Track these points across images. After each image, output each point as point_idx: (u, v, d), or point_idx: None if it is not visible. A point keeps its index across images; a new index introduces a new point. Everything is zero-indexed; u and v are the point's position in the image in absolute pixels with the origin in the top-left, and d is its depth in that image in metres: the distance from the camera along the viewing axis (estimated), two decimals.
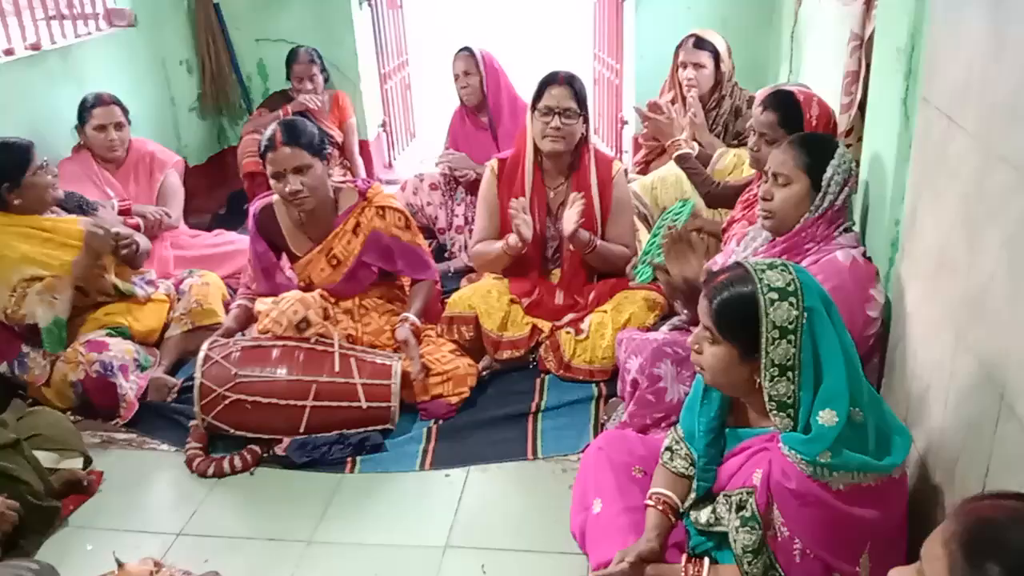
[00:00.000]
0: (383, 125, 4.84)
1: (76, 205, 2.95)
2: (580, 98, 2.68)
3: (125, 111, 3.39)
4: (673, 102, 3.31)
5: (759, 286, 1.44)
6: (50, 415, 2.44)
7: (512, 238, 2.68)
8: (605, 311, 2.68)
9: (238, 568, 2.00)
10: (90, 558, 2.07)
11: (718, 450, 1.65)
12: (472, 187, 3.57)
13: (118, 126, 3.35)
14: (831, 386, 1.42)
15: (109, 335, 2.74)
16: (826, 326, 1.44)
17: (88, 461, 2.39)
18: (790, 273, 1.47)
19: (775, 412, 1.46)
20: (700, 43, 3.26)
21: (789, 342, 1.42)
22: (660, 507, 1.72)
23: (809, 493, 1.40)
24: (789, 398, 1.44)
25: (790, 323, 1.42)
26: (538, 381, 2.71)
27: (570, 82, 2.68)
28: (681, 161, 2.95)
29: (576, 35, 7.32)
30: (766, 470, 1.46)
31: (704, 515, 1.64)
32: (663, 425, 2.12)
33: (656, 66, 3.75)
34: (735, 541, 1.48)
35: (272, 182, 2.55)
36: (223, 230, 3.76)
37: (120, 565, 1.50)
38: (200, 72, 4.39)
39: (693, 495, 1.69)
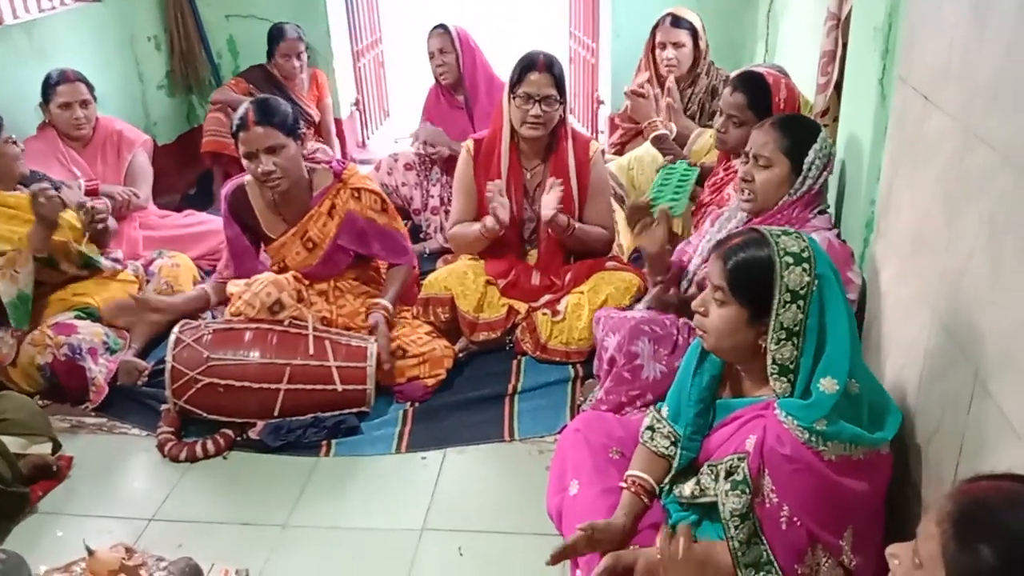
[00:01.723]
0: (356, 103, 4.78)
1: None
2: (560, 84, 2.64)
3: (91, 88, 3.31)
4: (649, 82, 3.29)
5: (775, 249, 1.47)
6: (17, 399, 2.39)
7: (489, 220, 2.66)
8: (582, 292, 2.66)
9: (212, 553, 1.96)
10: (60, 544, 2.04)
11: (706, 421, 1.66)
12: (447, 166, 3.54)
13: (84, 104, 3.27)
14: (833, 354, 1.45)
15: (78, 317, 2.69)
16: (835, 295, 1.48)
17: (57, 446, 2.34)
18: (804, 240, 1.50)
19: (776, 376, 1.48)
20: (677, 21, 3.24)
21: (799, 307, 1.45)
22: (633, 489, 1.73)
23: (801, 460, 1.42)
24: (791, 363, 1.47)
25: (802, 288, 1.45)
26: (515, 363, 2.70)
27: (550, 68, 2.63)
28: (658, 142, 2.94)
29: (551, 13, 7.27)
30: (760, 436, 1.47)
31: (688, 487, 1.64)
32: (638, 404, 2.12)
33: (632, 45, 3.73)
34: (723, 505, 1.48)
35: (244, 162, 2.50)
36: (193, 210, 3.70)
37: (90, 552, 1.47)
38: (169, 49, 4.30)
39: (675, 468, 1.70)
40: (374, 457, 2.35)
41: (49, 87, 3.23)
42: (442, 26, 3.56)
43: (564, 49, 4.92)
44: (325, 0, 4.30)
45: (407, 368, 2.57)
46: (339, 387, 2.42)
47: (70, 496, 2.27)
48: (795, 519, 1.45)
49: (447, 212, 3.52)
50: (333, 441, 2.40)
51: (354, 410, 2.46)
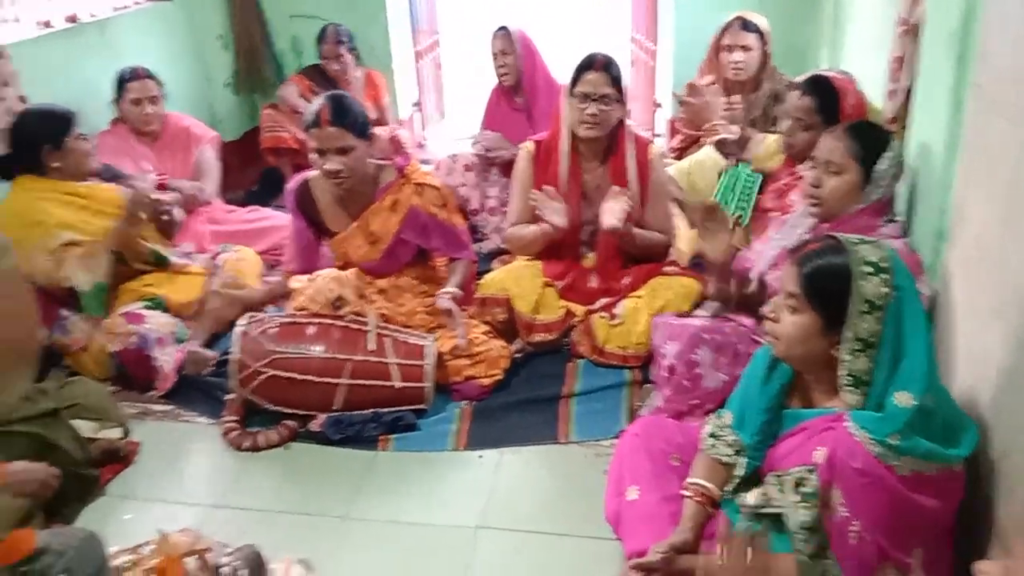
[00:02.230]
0: (417, 104, 4.83)
1: (112, 177, 2.98)
2: (617, 83, 2.64)
3: (160, 85, 3.41)
4: (713, 85, 3.27)
5: (854, 257, 1.46)
6: (89, 385, 2.47)
7: (547, 223, 2.67)
8: (640, 296, 2.66)
9: (274, 542, 2.01)
10: (127, 527, 2.11)
11: (772, 430, 1.64)
12: (506, 168, 3.55)
13: (153, 100, 3.37)
14: (910, 368, 1.43)
15: (147, 307, 2.77)
16: (914, 307, 1.46)
17: (126, 432, 2.42)
18: (883, 249, 1.48)
19: (850, 388, 1.47)
20: (747, 25, 3.22)
21: (876, 318, 1.44)
22: (697, 498, 1.72)
23: (874, 474, 1.40)
24: (866, 375, 1.45)
25: (879, 299, 1.44)
26: (571, 365, 2.70)
27: (607, 67, 2.64)
28: (721, 146, 2.92)
29: (613, 17, 7.27)
30: (830, 448, 1.45)
31: (752, 497, 1.63)
32: (698, 412, 2.12)
33: (692, 48, 3.70)
34: (791, 518, 1.47)
35: (312, 156, 2.56)
36: (257, 206, 3.78)
37: (163, 535, 1.51)
38: (235, 48, 4.39)
39: (738, 477, 1.69)
40: (431, 453, 2.38)
41: (121, 83, 3.33)
42: (504, 28, 3.59)
43: (625, 53, 4.92)
44: (385, 1, 4.34)
45: (464, 367, 2.59)
46: (398, 384, 2.46)
47: (137, 480, 2.34)
48: (865, 534, 1.43)
49: (505, 214, 3.55)
50: (391, 436, 2.43)
51: (412, 407, 2.50)
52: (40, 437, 2.14)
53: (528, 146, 2.81)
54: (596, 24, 8.02)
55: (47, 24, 3.33)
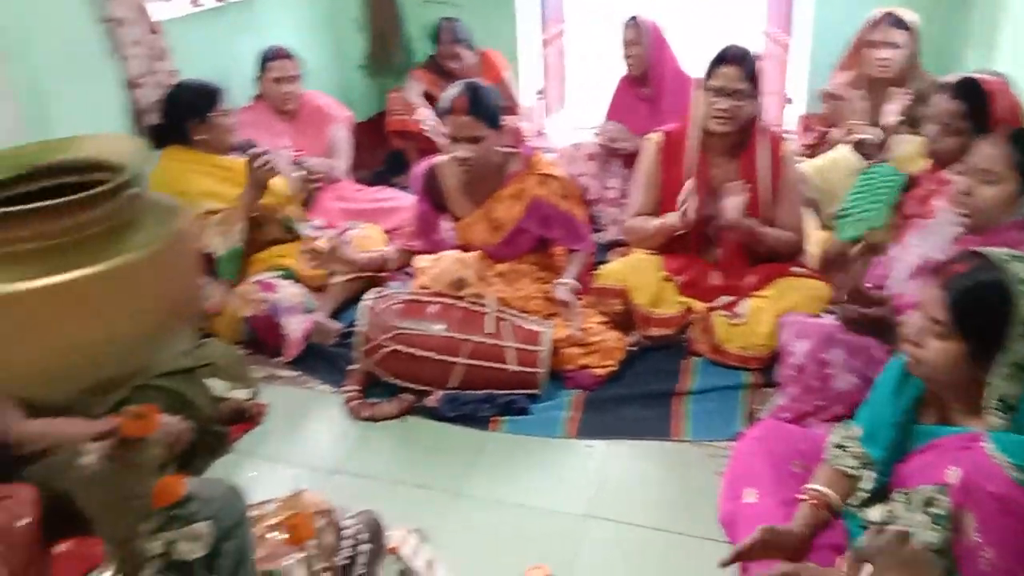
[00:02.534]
0: (540, 93, 4.84)
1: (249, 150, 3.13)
2: (752, 77, 2.58)
3: (300, 65, 3.54)
4: (853, 83, 3.15)
5: (1009, 276, 1.37)
6: (223, 347, 2.59)
7: (672, 217, 2.64)
8: (765, 297, 2.59)
9: (388, 510, 2.05)
10: (252, 484, 2.21)
11: (901, 446, 1.58)
12: (628, 160, 3.53)
13: (292, 79, 3.51)
14: None
15: (278, 277, 2.90)
16: None
17: (254, 393, 2.54)
18: None
19: (997, 411, 1.39)
20: (898, 21, 3.08)
21: None
22: (814, 502, 1.67)
23: (1012, 500, 1.32)
24: (1016, 400, 1.37)
25: None
26: (686, 362, 2.66)
27: (742, 60, 2.58)
28: (860, 147, 2.81)
29: (746, 8, 7.07)
30: (966, 469, 1.38)
31: (876, 512, 1.58)
32: (824, 414, 2.05)
33: (831, 43, 3.57)
34: (918, 537, 1.41)
35: (443, 141, 2.61)
36: (384, 186, 3.89)
37: (296, 493, 1.59)
38: (369, 31, 4.51)
39: (864, 492, 1.64)
40: (542, 439, 2.40)
41: (264, 62, 3.48)
42: (634, 18, 3.55)
43: (757, 46, 4.77)
44: None
45: (578, 356, 2.60)
46: (513, 367, 2.49)
47: (262, 441, 2.46)
48: (999, 562, 1.36)
49: (623, 205, 3.52)
50: (503, 418, 2.47)
51: (525, 391, 2.52)
52: (177, 393, 2.27)
53: (656, 137, 2.78)
54: (728, 16, 7.81)
55: (197, 2, 3.51)
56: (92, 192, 0.83)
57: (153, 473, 1.08)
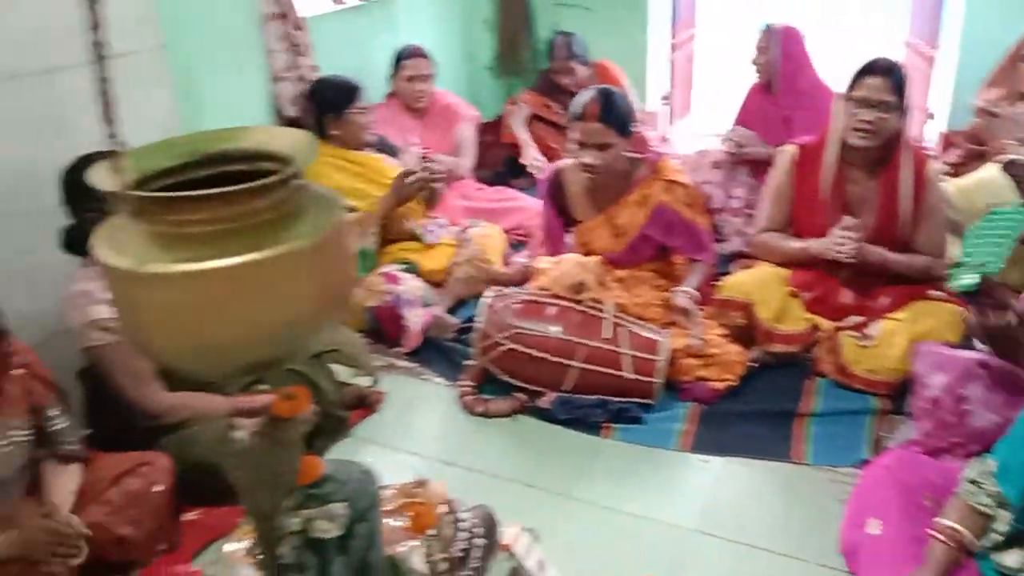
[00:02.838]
0: (666, 97, 4.78)
1: (384, 149, 3.22)
2: (899, 90, 2.45)
3: (433, 64, 3.62)
4: (1006, 99, 2.97)
5: None
6: (348, 334, 2.68)
7: (817, 246, 2.55)
8: (898, 319, 2.47)
9: (498, 506, 2.07)
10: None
11: None
12: (756, 169, 3.44)
13: (425, 78, 3.59)
14: None
15: (403, 270, 2.98)
16: None
17: (375, 380, 2.62)
18: None
19: None
20: None
21: None
22: (949, 541, 1.59)
23: None
24: None
25: None
26: (810, 382, 2.57)
27: (889, 72, 2.46)
28: (1011, 167, 2.64)
29: (888, 19, 6.79)
30: None
31: (1012, 557, 1.48)
32: (959, 452, 1.94)
33: (980, 57, 3.37)
34: None
35: (571, 146, 2.61)
36: (504, 186, 3.93)
37: (423, 482, 1.62)
38: (499, 32, 4.56)
39: (997, 535, 1.54)
40: (654, 449, 2.37)
41: (398, 60, 3.58)
42: (769, 25, 3.46)
43: (898, 58, 4.56)
44: None
45: (696, 367, 2.55)
46: (628, 375, 2.46)
47: (379, 428, 2.53)
48: None
49: (748, 215, 3.43)
50: (615, 425, 2.45)
51: (639, 400, 2.50)
52: (305, 376, 2.37)
53: (791, 149, 2.69)
54: (868, 26, 7.51)
55: (339, 1, 3.64)
56: (265, 181, 0.87)
57: (300, 452, 1.12)
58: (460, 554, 1.58)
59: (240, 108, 2.99)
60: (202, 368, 0.95)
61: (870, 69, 2.48)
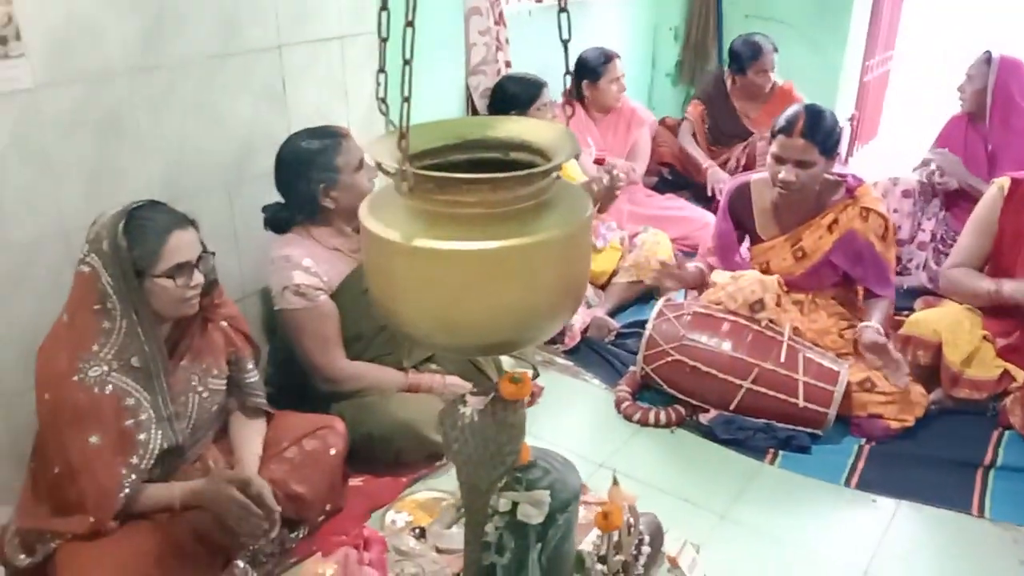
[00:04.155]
0: (852, 118, 4.59)
1: None
2: None
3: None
4: None
5: None
6: None
7: (1009, 287, 2.40)
8: None
9: None
10: None
11: None
12: (951, 200, 3.26)
13: (621, 79, 3.61)
14: None
15: None
16: None
17: (536, 374, 2.64)
18: None
19: None
20: None
21: None
22: None
23: None
24: None
25: None
26: (995, 433, 2.41)
27: None
28: None
29: None
30: None
31: None
32: None
33: None
34: None
35: (769, 160, 2.55)
36: (673, 194, 3.89)
37: (616, 482, 1.63)
38: (684, 39, 4.52)
39: None
40: (820, 482, 2.28)
41: (605, 62, 3.58)
42: (987, 52, 3.24)
43: None
44: (852, 9, 4.15)
45: (872, 403, 2.43)
46: (801, 403, 2.38)
47: (535, 421, 2.52)
48: None
49: (936, 250, 3.25)
50: (780, 452, 2.38)
51: (807, 430, 2.41)
52: (472, 361, 2.44)
53: (1003, 181, 2.52)
54: None
55: (539, 0, 3.69)
56: (533, 171, 0.91)
57: (522, 434, 1.16)
58: (628, 558, 1.58)
59: (437, 97, 3.09)
60: (443, 341, 1.00)
61: None
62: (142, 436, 1.73)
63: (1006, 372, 2.45)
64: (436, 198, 0.91)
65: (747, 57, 3.88)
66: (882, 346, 2.40)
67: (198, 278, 1.77)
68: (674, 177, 4.16)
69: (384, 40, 0.93)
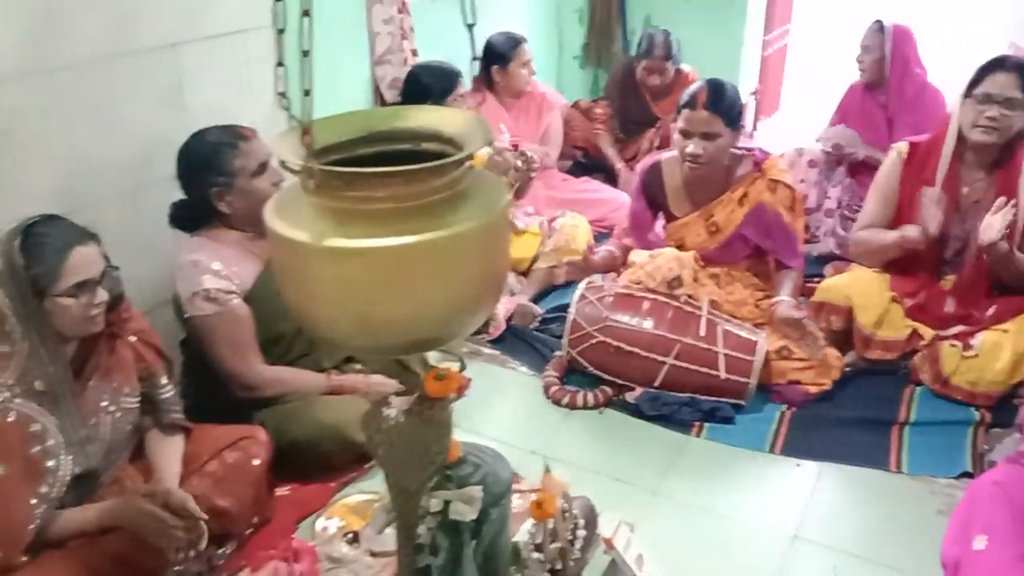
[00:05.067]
0: (755, 93, 4.69)
1: None
2: None
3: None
4: None
5: None
6: None
7: (912, 230, 2.48)
8: (1005, 331, 2.38)
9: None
10: None
11: None
12: (854, 169, 3.37)
13: (529, 64, 3.59)
14: None
15: None
16: None
17: (463, 366, 2.62)
18: None
19: None
20: None
21: None
22: None
23: None
24: None
25: None
26: (907, 391, 2.51)
27: (1017, 69, 2.38)
28: None
29: (987, 18, 6.55)
30: None
31: None
32: None
33: None
34: None
35: (676, 136, 2.59)
36: (588, 177, 3.91)
37: (548, 471, 1.62)
38: (589, 22, 4.53)
39: None
40: (745, 451, 2.33)
41: (515, 46, 3.55)
42: (878, 22, 3.36)
43: None
44: None
45: (790, 370, 2.51)
46: (722, 374, 2.43)
47: (465, 413, 2.52)
48: None
49: (842, 216, 3.36)
50: (705, 424, 2.42)
51: (730, 400, 2.46)
52: (399, 359, 2.39)
53: (901, 147, 2.61)
54: (968, 27, 7.23)
55: None
56: (446, 160, 0.88)
57: (449, 432, 1.13)
58: (563, 544, 1.58)
59: (342, 89, 3.02)
60: (362, 343, 0.96)
61: (999, 65, 2.40)
62: (51, 463, 1.64)
63: (915, 331, 2.54)
64: (345, 195, 0.88)
65: (640, 52, 3.93)
66: (796, 320, 2.47)
67: (102, 295, 1.69)
68: (588, 160, 4.17)
69: (281, 32, 0.89)
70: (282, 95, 0.89)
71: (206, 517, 1.71)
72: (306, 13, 0.85)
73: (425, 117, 1.00)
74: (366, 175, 0.86)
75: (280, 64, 0.90)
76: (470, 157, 0.91)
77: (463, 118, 1.00)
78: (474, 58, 1.02)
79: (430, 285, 0.89)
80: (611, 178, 3.95)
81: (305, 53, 0.84)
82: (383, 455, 1.10)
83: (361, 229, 0.86)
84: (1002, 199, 2.36)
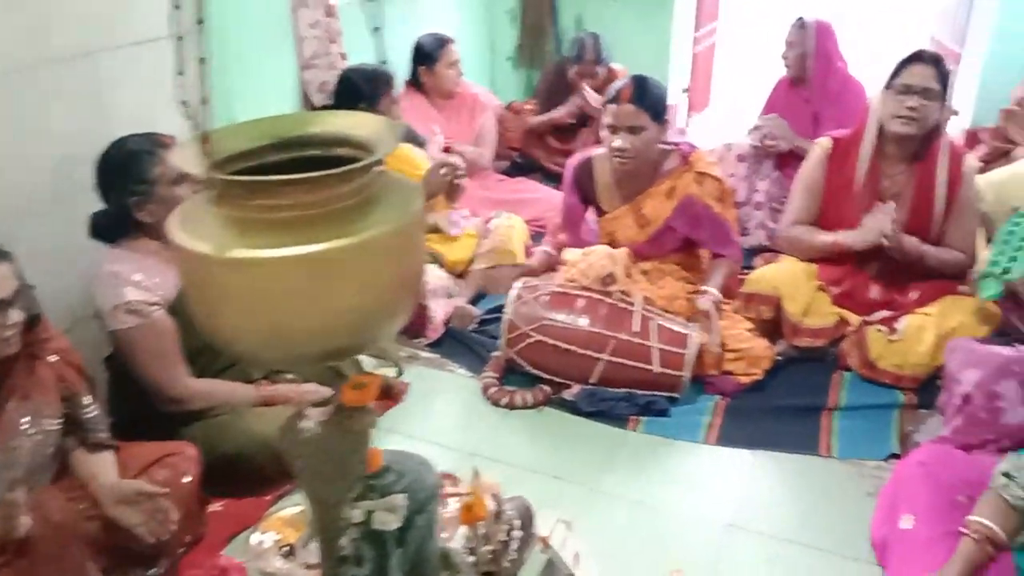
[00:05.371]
0: (687, 90, 4.77)
1: (410, 139, 3.21)
2: (943, 80, 2.46)
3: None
4: None
5: None
6: None
7: (851, 237, 2.55)
8: (927, 314, 2.47)
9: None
10: None
11: None
12: (782, 162, 3.44)
13: (457, 64, 3.58)
14: None
15: (426, 262, 2.97)
16: None
17: (400, 371, 2.61)
18: None
19: None
20: None
21: None
22: (976, 536, 1.60)
23: None
24: None
25: None
26: (836, 376, 2.57)
27: (936, 63, 2.47)
28: None
29: (911, 15, 6.76)
30: None
31: None
32: (991, 448, 1.94)
33: (1010, 56, 3.36)
34: None
35: (603, 132, 2.61)
36: (524, 177, 3.92)
37: (477, 474, 1.61)
38: (521, 22, 4.54)
39: None
40: (681, 443, 2.37)
41: (441, 46, 3.54)
42: (801, 19, 3.44)
43: None
44: None
45: (723, 361, 2.55)
46: (656, 368, 2.46)
47: (403, 418, 2.52)
48: None
49: (772, 209, 3.43)
50: (642, 418, 2.45)
51: (666, 393, 2.49)
52: (333, 366, 2.36)
53: (824, 142, 2.68)
54: (890, 22, 7.46)
55: None
56: (353, 166, 0.87)
57: (368, 442, 1.12)
58: (498, 546, 1.58)
59: (269, 94, 2.96)
60: (276, 355, 0.95)
61: (917, 57, 2.48)
62: None
63: (841, 318, 2.61)
64: (249, 204, 0.86)
65: (573, 55, 3.96)
66: (703, 313, 2.55)
67: (14, 316, 1.63)
68: (523, 161, 4.19)
69: (180, 39, 0.87)
70: (183, 103, 0.86)
71: (166, 491, 1.74)
72: (200, 21, 0.83)
73: (335, 122, 0.99)
74: (269, 183, 0.84)
75: (180, 73, 0.87)
76: (377, 162, 0.91)
77: (373, 123, 0.99)
78: (382, 61, 1.01)
79: (341, 293, 0.88)
80: (549, 177, 3.97)
81: (202, 61, 0.82)
82: (301, 468, 1.08)
83: (266, 239, 0.85)
84: (890, 204, 2.45)
